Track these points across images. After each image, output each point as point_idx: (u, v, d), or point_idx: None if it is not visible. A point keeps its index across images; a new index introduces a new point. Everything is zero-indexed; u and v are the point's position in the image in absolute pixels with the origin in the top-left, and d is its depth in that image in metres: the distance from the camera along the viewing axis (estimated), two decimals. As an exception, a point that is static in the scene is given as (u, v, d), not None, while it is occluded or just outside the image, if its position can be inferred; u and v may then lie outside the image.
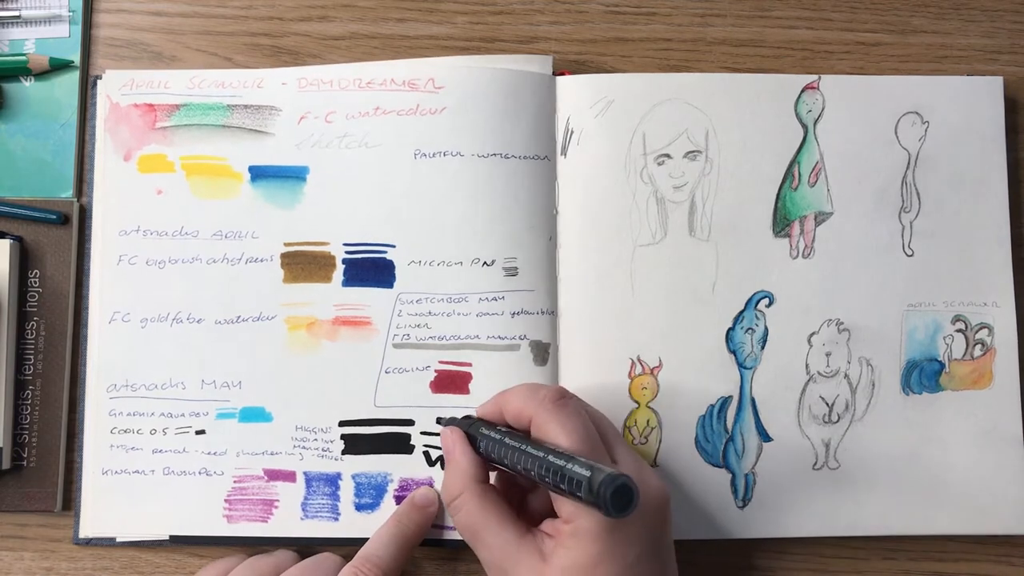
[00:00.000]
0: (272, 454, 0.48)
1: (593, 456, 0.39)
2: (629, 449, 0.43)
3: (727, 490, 0.49)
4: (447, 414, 0.48)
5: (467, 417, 0.45)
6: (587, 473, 0.36)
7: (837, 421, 0.49)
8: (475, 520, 0.41)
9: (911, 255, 0.50)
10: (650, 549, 0.40)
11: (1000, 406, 0.49)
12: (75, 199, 0.50)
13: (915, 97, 0.50)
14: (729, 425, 0.49)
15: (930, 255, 0.50)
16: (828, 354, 0.49)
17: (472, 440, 0.43)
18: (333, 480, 0.48)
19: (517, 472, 0.40)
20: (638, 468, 0.41)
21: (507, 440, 0.41)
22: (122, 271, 0.49)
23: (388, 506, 0.48)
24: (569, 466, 0.37)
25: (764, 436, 0.49)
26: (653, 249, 0.49)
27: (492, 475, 0.45)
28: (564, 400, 0.41)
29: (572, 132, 0.49)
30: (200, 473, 0.48)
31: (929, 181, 0.50)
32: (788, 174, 0.50)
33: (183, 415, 0.48)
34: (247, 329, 0.48)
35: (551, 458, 0.38)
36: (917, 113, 0.50)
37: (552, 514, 0.41)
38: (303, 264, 0.49)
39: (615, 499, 0.35)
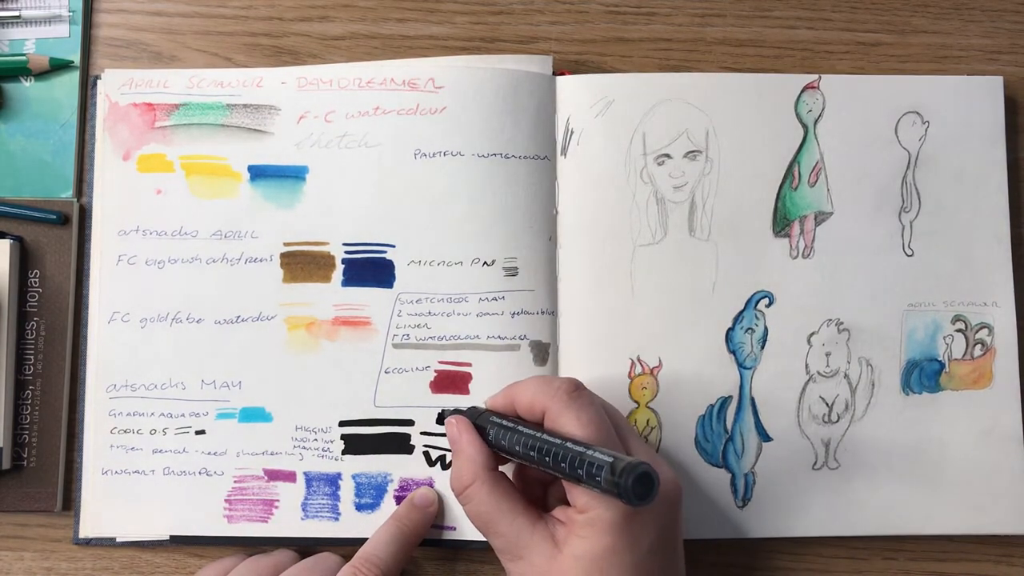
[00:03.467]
0: (272, 454, 0.48)
1: (608, 447, 0.39)
2: (642, 441, 0.43)
3: (727, 490, 0.49)
4: (446, 414, 0.48)
5: (473, 408, 0.45)
6: (608, 460, 0.36)
7: (837, 421, 0.49)
8: (487, 508, 0.41)
9: (911, 255, 0.50)
10: (661, 541, 0.40)
11: (1000, 406, 0.49)
12: (75, 199, 0.50)
13: (915, 97, 0.50)
14: (729, 425, 0.49)
15: (930, 255, 0.50)
16: (828, 354, 0.49)
17: (480, 431, 0.43)
18: (333, 480, 0.48)
19: (529, 461, 0.40)
20: (652, 460, 0.42)
21: (521, 428, 0.41)
22: (122, 271, 0.49)
23: (388, 506, 0.48)
24: (589, 452, 0.37)
25: (764, 436, 0.49)
26: (653, 249, 0.49)
27: (509, 470, 0.45)
28: (578, 391, 0.41)
29: (572, 132, 0.49)
30: (200, 473, 0.48)
31: (929, 181, 0.50)
32: (788, 174, 0.50)
33: (183, 415, 0.48)
34: (247, 329, 0.48)
35: (569, 445, 0.38)
36: (917, 113, 0.50)
37: (566, 503, 0.41)
38: (303, 264, 0.49)
39: (636, 487, 0.35)
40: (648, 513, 0.39)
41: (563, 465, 0.38)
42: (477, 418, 0.44)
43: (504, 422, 0.42)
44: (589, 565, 0.38)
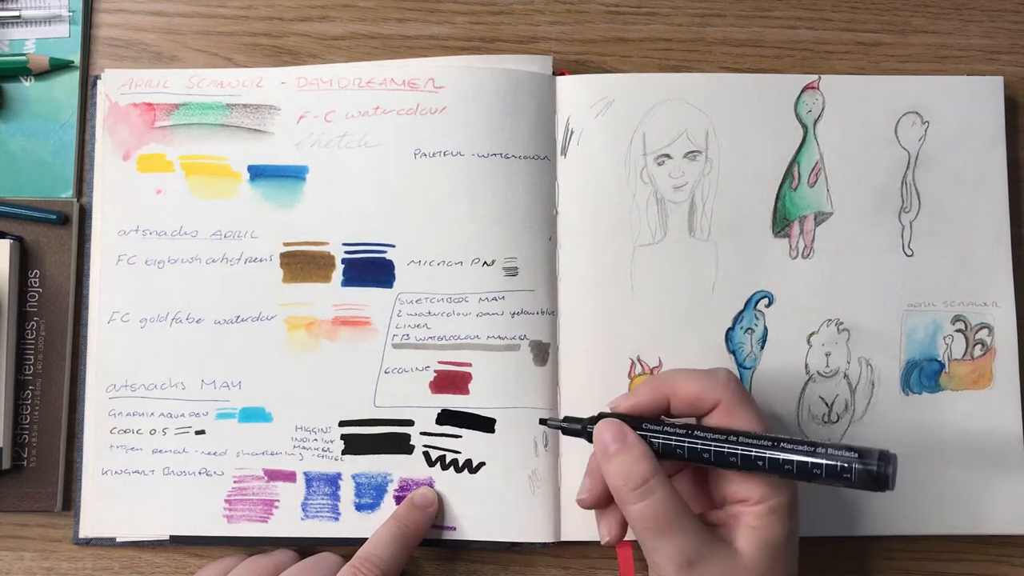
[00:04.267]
0: (272, 454, 0.48)
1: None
2: None
3: (727, 490, 0.48)
4: (446, 414, 0.48)
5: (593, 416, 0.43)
6: (853, 455, 0.37)
7: (836, 421, 0.49)
8: (668, 506, 0.39)
9: (911, 255, 0.50)
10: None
11: (1000, 406, 0.49)
12: (75, 199, 0.50)
13: (915, 97, 0.50)
14: (729, 425, 0.49)
15: (930, 255, 0.50)
16: (828, 354, 0.49)
17: None
18: (333, 480, 0.48)
19: (725, 467, 0.39)
20: None
21: (698, 434, 0.40)
22: (121, 271, 0.49)
23: (388, 506, 0.48)
24: (821, 450, 0.37)
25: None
26: (653, 249, 0.49)
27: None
28: (740, 383, 0.41)
29: (572, 132, 0.49)
30: (200, 473, 0.48)
31: (929, 181, 0.50)
32: (788, 174, 0.50)
33: (183, 415, 0.48)
34: (246, 329, 0.48)
35: (784, 444, 0.38)
36: (917, 113, 0.50)
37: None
38: (302, 264, 0.49)
39: (894, 474, 0.36)
40: (798, 497, 0.41)
41: (788, 467, 0.38)
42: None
43: (677, 431, 0.40)
44: (775, 551, 0.39)
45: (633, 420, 0.41)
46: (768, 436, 0.39)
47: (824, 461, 0.37)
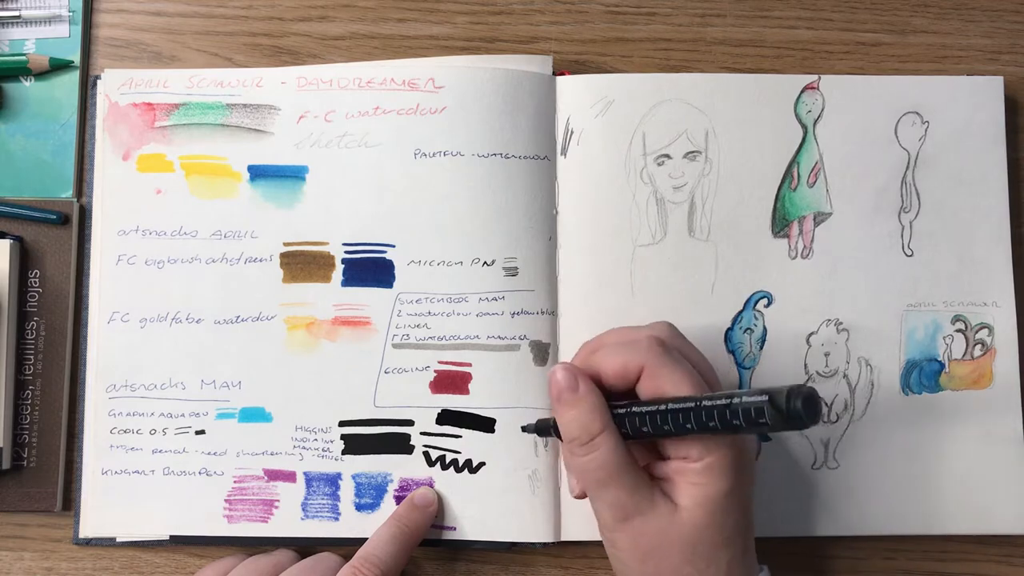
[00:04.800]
0: (272, 454, 0.48)
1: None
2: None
3: (727, 490, 0.49)
4: (446, 414, 0.48)
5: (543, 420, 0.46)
6: (763, 398, 0.35)
7: (836, 421, 0.49)
8: (615, 460, 0.40)
9: (911, 255, 0.50)
10: (752, 488, 0.41)
11: (1000, 406, 0.49)
12: (75, 199, 0.50)
13: (915, 97, 0.50)
14: (729, 425, 0.49)
15: (930, 255, 0.50)
16: (827, 354, 0.49)
17: None
18: (333, 480, 0.48)
19: (662, 436, 0.39)
20: None
21: (635, 408, 0.39)
22: (121, 271, 0.49)
23: (388, 506, 0.48)
24: (736, 400, 0.36)
25: (763, 436, 0.49)
26: (653, 249, 0.49)
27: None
28: (665, 347, 0.41)
29: (572, 132, 0.49)
30: (200, 473, 0.48)
31: (929, 181, 0.50)
32: (787, 174, 0.50)
33: (183, 415, 0.48)
34: (246, 329, 0.48)
35: (706, 403, 0.37)
36: (917, 113, 0.50)
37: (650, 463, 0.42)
38: (302, 264, 0.49)
39: (807, 408, 0.34)
40: (748, 455, 0.41)
41: (712, 424, 0.37)
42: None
43: (617, 411, 0.40)
44: (714, 507, 0.39)
45: None
46: (691, 397, 0.38)
47: (740, 408, 0.36)
